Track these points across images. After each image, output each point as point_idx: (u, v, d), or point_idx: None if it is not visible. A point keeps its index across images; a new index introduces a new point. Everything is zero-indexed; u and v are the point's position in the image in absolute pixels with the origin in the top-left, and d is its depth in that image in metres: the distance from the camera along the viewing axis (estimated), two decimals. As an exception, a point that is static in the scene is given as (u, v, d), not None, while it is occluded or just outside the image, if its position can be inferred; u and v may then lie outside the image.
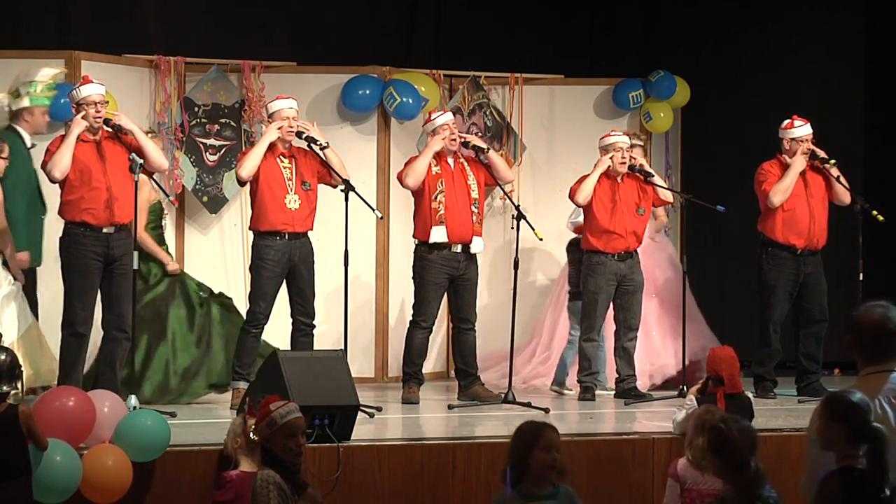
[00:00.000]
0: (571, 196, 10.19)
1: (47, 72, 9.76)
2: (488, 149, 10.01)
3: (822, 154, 10.24)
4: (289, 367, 7.78)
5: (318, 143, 9.42)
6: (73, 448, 7.05)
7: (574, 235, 10.77)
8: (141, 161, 8.65)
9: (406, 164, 9.90)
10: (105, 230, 8.68)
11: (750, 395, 8.00)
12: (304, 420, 6.19)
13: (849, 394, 5.13)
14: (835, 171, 10.24)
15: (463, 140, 10.05)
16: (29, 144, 9.58)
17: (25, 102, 9.61)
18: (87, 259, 8.65)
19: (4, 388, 6.57)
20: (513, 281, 9.67)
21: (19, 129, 9.60)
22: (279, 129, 9.35)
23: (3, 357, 6.62)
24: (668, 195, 10.32)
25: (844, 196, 10.29)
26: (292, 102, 9.50)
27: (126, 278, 8.68)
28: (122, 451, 7.18)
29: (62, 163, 8.56)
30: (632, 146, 10.65)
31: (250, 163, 9.27)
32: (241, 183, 9.47)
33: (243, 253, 10.28)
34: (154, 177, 8.98)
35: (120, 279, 8.70)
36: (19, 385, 6.72)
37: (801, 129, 10.26)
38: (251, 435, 6.80)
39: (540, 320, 11.29)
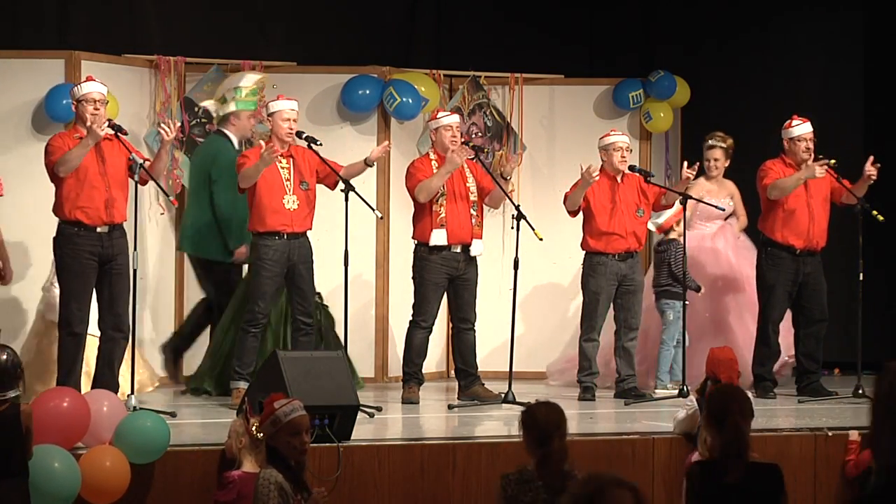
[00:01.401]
0: (563, 201, 10.19)
1: (251, 77, 10.37)
2: (507, 178, 10.00)
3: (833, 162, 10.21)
4: (289, 367, 7.78)
5: (319, 143, 9.45)
6: (71, 450, 7.06)
7: (660, 236, 10.75)
8: (141, 161, 8.66)
9: (413, 176, 9.81)
10: (99, 229, 8.66)
11: (750, 394, 7.98)
12: (308, 418, 6.20)
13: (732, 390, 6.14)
14: (869, 176, 10.15)
15: (463, 140, 10.06)
16: (237, 147, 10.15)
17: (232, 107, 10.24)
18: (82, 259, 8.63)
19: (6, 390, 6.58)
20: (513, 281, 9.67)
21: (228, 132, 10.26)
22: (277, 137, 9.38)
23: (3, 357, 6.62)
24: (669, 196, 10.31)
25: (851, 198, 10.26)
26: (293, 104, 9.50)
27: (123, 278, 8.67)
28: (119, 452, 7.18)
29: (70, 164, 8.55)
30: (711, 147, 10.70)
31: (251, 177, 9.26)
32: (241, 192, 9.45)
33: (243, 253, 10.27)
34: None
35: (116, 279, 8.69)
36: (20, 385, 6.70)
37: (799, 128, 10.25)
38: (254, 432, 6.79)
39: None
